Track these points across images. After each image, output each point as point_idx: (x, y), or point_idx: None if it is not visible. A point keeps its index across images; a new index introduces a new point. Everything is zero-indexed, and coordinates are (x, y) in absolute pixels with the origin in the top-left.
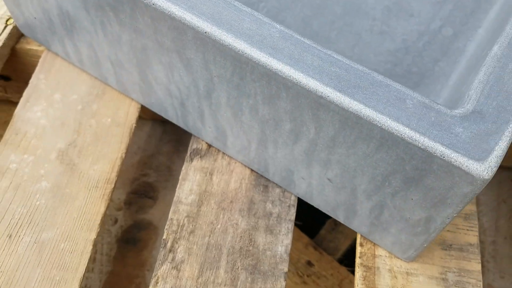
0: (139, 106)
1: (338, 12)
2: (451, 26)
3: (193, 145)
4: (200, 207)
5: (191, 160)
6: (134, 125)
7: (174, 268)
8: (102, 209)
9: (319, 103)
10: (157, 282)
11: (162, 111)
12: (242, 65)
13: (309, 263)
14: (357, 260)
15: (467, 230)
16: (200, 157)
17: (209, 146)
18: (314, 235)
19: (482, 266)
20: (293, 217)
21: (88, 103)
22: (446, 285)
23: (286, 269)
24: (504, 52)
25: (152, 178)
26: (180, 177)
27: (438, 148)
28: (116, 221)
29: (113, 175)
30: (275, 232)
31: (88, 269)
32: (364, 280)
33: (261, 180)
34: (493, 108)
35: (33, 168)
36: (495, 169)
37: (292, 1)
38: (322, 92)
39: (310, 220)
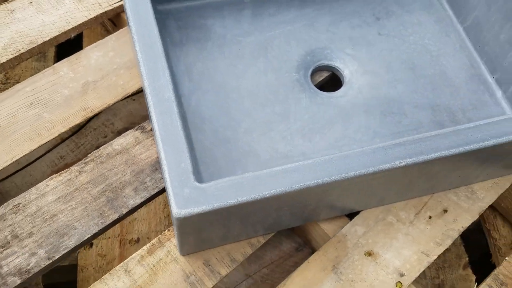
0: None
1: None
2: None
3: (144, 124)
4: (116, 155)
5: (135, 130)
6: (130, 93)
7: (77, 169)
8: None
9: None
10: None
11: None
12: None
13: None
14: (158, 236)
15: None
16: (141, 132)
17: (151, 130)
18: None
19: None
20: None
21: (121, 65)
22: (186, 279)
23: (124, 211)
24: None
25: None
26: (122, 134)
27: (170, 192)
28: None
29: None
30: (139, 189)
31: None
32: (148, 251)
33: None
34: (212, 193)
35: (75, 78)
36: (181, 217)
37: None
38: None
39: None
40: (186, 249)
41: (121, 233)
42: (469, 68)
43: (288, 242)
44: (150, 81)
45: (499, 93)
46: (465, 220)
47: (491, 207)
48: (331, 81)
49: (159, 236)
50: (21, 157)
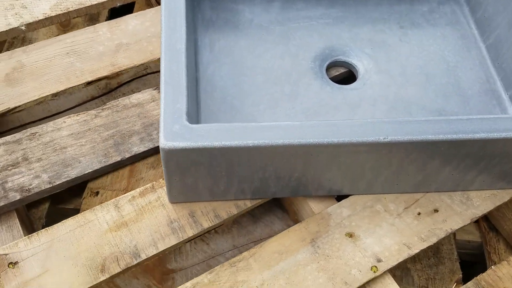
0: None
1: None
2: None
3: None
4: (131, 107)
5: (154, 89)
6: (156, 58)
7: (94, 113)
8: None
9: None
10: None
11: None
12: None
13: None
14: (153, 182)
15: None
16: (159, 91)
17: None
18: None
19: None
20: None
21: (154, 34)
22: (169, 224)
23: (127, 156)
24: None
25: None
26: (141, 91)
27: (161, 126)
28: None
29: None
30: (145, 140)
31: None
32: (140, 193)
33: None
34: (200, 133)
35: (111, 38)
36: (167, 149)
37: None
38: None
39: None
40: (174, 195)
41: (126, 188)
42: (485, 82)
43: (280, 223)
44: (166, 32)
45: (511, 109)
46: (455, 223)
47: (495, 230)
48: (346, 79)
49: (153, 182)
50: (48, 95)
